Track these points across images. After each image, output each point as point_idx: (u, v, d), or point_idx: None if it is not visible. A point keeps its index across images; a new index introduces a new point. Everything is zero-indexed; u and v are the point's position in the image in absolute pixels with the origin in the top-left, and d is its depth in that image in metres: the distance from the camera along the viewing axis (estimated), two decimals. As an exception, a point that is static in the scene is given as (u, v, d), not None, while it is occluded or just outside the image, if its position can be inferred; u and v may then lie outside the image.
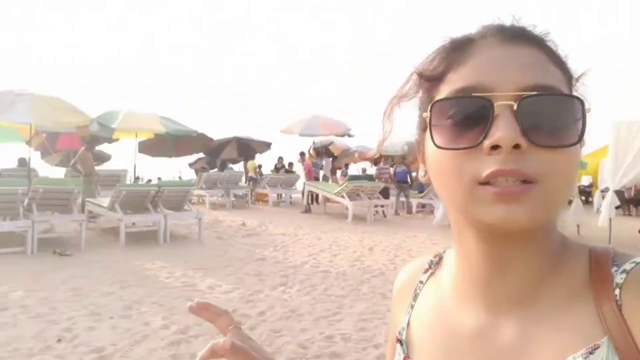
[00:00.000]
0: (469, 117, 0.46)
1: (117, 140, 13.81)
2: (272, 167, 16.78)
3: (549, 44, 0.50)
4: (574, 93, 0.50)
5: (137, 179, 12.86)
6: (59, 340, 3.64)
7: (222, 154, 17.12)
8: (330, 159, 17.61)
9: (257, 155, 17.53)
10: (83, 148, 9.70)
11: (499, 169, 0.43)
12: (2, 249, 6.61)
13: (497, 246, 0.49)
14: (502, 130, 0.43)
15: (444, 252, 0.66)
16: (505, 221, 0.43)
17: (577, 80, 0.52)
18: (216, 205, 13.60)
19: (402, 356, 0.60)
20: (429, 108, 0.48)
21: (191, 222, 8.83)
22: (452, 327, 0.55)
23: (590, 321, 0.46)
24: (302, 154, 15.78)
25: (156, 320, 4.17)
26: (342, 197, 11.64)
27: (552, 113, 0.45)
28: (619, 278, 0.46)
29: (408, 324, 0.62)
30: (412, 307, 0.63)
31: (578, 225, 10.67)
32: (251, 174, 15.67)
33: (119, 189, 7.87)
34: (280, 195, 15.25)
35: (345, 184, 11.96)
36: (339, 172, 16.88)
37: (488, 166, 0.43)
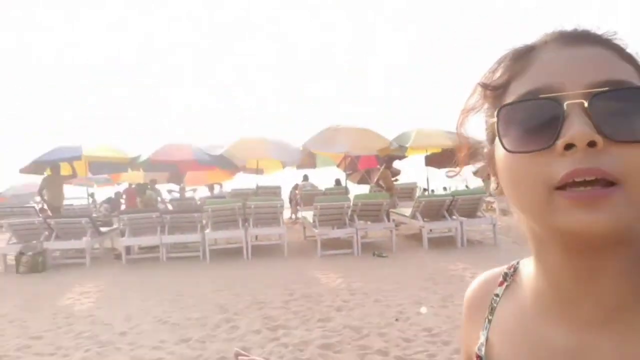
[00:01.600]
0: (539, 119, 0.43)
1: (406, 157, 15.38)
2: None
3: (616, 42, 0.47)
4: None
5: (425, 190, 14.02)
6: (397, 320, 4.65)
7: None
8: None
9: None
10: (383, 167, 11.34)
11: (576, 168, 0.40)
12: (337, 251, 8.45)
13: (582, 257, 0.45)
14: (575, 128, 0.40)
15: (518, 263, 0.63)
16: (586, 227, 0.40)
17: None
18: (506, 211, 13.58)
19: None
20: (495, 113, 0.47)
21: (484, 227, 9.26)
22: (540, 345, 0.52)
23: None
24: None
25: (470, 311, 4.79)
26: None
27: (628, 107, 0.41)
28: None
29: (487, 339, 0.59)
30: (489, 321, 0.60)
31: None
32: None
33: (418, 199, 9.00)
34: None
35: None
36: None
37: (564, 167, 0.41)
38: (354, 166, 16.10)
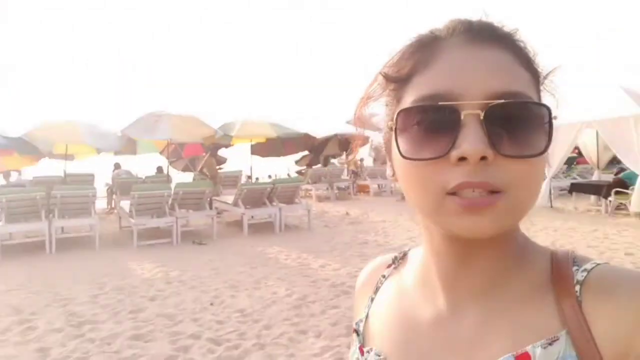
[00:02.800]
0: (436, 126, 0.44)
1: (232, 145, 15.50)
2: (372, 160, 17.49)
3: (517, 43, 0.49)
4: (542, 92, 0.50)
5: (249, 177, 14.36)
6: (211, 304, 4.78)
7: (325, 150, 18.20)
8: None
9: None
10: (207, 155, 11.29)
11: (466, 181, 0.42)
12: (155, 240, 8.19)
13: (463, 246, 0.50)
14: (469, 142, 0.42)
15: (409, 250, 0.67)
16: (472, 232, 0.44)
17: (545, 77, 0.50)
18: (322, 197, 14.69)
19: (358, 346, 0.61)
20: (394, 117, 0.47)
21: (301, 213, 9.92)
22: (413, 317, 0.56)
23: (549, 315, 0.46)
24: None
25: (281, 290, 5.18)
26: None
27: (519, 121, 0.44)
28: (579, 276, 0.47)
29: (367, 316, 0.63)
30: (372, 300, 0.64)
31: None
32: (352, 167, 16.57)
33: (240, 187, 9.21)
34: (382, 185, 15.94)
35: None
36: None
37: (455, 177, 0.43)
38: (178, 154, 15.60)
